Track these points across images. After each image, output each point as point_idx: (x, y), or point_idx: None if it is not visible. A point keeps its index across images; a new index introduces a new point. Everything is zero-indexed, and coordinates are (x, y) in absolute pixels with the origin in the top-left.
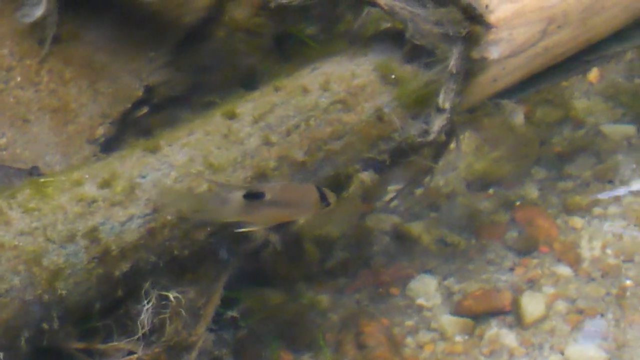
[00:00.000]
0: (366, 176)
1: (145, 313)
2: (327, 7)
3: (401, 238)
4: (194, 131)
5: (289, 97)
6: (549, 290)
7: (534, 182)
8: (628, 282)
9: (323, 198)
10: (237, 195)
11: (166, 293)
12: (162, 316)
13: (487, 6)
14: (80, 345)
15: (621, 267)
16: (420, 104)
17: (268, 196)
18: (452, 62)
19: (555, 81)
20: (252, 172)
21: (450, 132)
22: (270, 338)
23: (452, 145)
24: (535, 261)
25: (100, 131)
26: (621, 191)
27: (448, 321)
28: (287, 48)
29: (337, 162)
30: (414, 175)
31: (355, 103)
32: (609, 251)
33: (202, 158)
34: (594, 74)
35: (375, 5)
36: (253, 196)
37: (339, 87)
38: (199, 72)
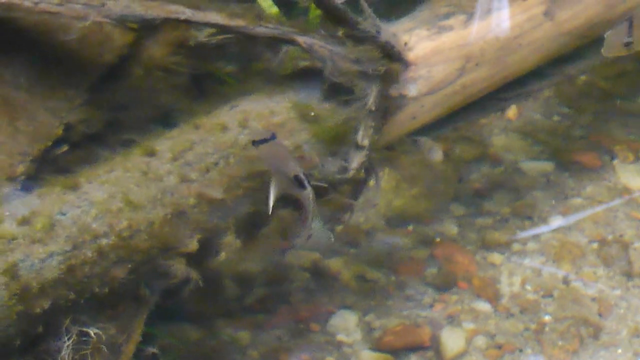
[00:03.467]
0: (285, 213)
1: (66, 349)
2: (245, 46)
3: (321, 274)
4: (113, 168)
5: (208, 134)
6: (469, 325)
7: (452, 219)
8: (547, 318)
9: None
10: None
11: (87, 329)
12: (82, 352)
13: (405, 44)
14: None
15: (540, 302)
16: (339, 141)
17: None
18: (371, 100)
19: (474, 118)
20: (172, 209)
21: (369, 169)
22: None
23: (372, 182)
24: (454, 297)
25: (20, 169)
26: (540, 227)
27: (368, 357)
28: (205, 86)
29: (256, 199)
30: (334, 212)
31: None
32: (528, 287)
33: (122, 195)
34: (512, 112)
35: (293, 43)
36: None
37: (258, 125)
38: (118, 110)
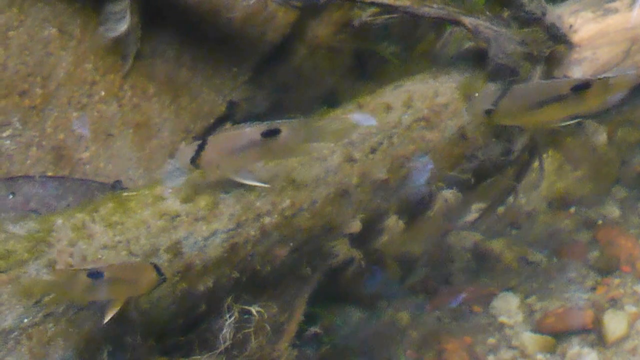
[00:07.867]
0: (450, 194)
1: (227, 327)
2: (408, 27)
3: (482, 255)
4: None
5: (372, 114)
6: (632, 309)
7: (615, 202)
8: None
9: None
10: None
11: (249, 307)
12: (245, 331)
13: (571, 26)
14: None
15: None
16: None
17: None
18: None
19: (638, 101)
20: (335, 188)
21: (533, 151)
22: (352, 355)
23: (535, 164)
24: (617, 280)
25: None
26: None
27: (529, 339)
28: (368, 66)
29: (418, 180)
30: (498, 194)
31: (438, 121)
32: None
33: (285, 174)
34: None
35: (459, 24)
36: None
37: (422, 105)
38: (281, 89)
